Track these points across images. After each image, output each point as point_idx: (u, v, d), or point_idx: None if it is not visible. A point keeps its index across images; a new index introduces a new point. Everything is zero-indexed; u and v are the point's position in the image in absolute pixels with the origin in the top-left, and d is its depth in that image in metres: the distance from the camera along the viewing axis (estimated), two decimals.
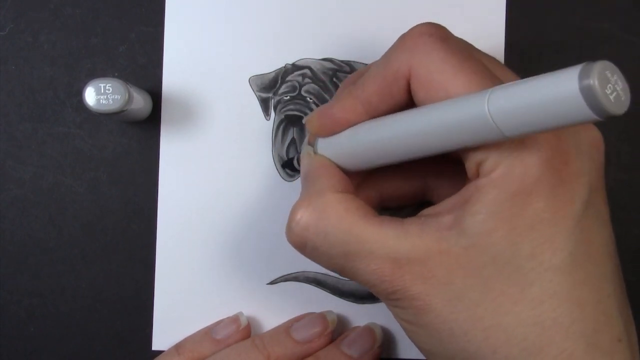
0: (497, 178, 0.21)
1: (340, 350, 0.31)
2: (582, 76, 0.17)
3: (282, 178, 0.34)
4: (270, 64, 0.34)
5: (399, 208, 0.31)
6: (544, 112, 0.18)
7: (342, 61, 0.34)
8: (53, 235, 0.34)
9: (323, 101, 0.34)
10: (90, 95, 0.29)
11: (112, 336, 0.34)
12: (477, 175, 0.22)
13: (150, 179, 0.34)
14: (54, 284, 0.34)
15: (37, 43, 0.34)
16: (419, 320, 0.23)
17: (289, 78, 0.34)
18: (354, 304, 0.34)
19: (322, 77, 0.34)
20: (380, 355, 0.33)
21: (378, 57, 0.29)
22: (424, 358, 0.27)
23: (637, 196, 0.34)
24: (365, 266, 0.24)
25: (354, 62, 0.34)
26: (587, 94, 0.17)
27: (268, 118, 0.34)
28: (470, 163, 0.22)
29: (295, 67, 0.34)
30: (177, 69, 0.34)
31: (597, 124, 0.24)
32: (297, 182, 0.34)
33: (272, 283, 0.34)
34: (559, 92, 0.18)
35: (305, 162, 0.28)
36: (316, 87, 0.34)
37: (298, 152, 0.33)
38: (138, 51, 0.34)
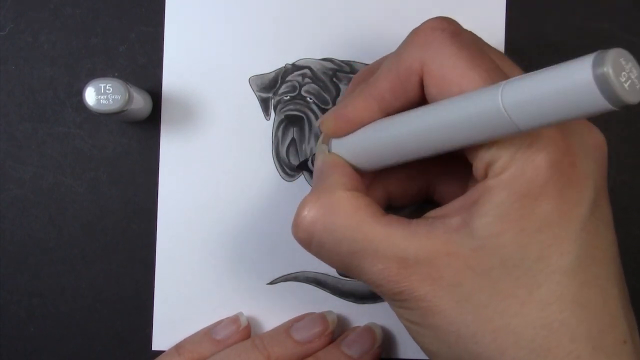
0: (507, 179, 0.21)
1: (340, 351, 0.31)
2: (596, 64, 0.17)
3: (282, 178, 0.34)
4: (270, 64, 0.34)
5: (401, 207, 0.31)
6: (557, 103, 0.18)
7: (342, 61, 0.34)
8: (53, 235, 0.34)
9: (323, 101, 0.34)
10: (91, 95, 0.29)
11: (112, 336, 0.34)
12: (485, 176, 0.22)
13: (150, 179, 0.34)
14: (54, 284, 0.34)
15: (37, 43, 0.34)
16: (425, 322, 0.23)
17: (289, 78, 0.34)
18: (354, 304, 0.34)
19: (322, 77, 0.34)
20: (380, 355, 0.33)
21: (378, 57, 0.30)
22: (425, 358, 0.27)
23: (638, 198, 0.34)
24: (372, 265, 0.24)
25: (354, 62, 0.34)
26: (601, 82, 0.16)
27: (268, 118, 0.34)
28: (479, 163, 0.22)
29: (295, 67, 0.34)
30: (177, 69, 0.34)
31: (599, 125, 0.24)
32: (297, 182, 0.34)
33: (272, 283, 0.34)
34: (572, 81, 0.17)
35: (319, 160, 0.28)
36: (316, 87, 0.34)
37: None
38: (138, 51, 0.34)
